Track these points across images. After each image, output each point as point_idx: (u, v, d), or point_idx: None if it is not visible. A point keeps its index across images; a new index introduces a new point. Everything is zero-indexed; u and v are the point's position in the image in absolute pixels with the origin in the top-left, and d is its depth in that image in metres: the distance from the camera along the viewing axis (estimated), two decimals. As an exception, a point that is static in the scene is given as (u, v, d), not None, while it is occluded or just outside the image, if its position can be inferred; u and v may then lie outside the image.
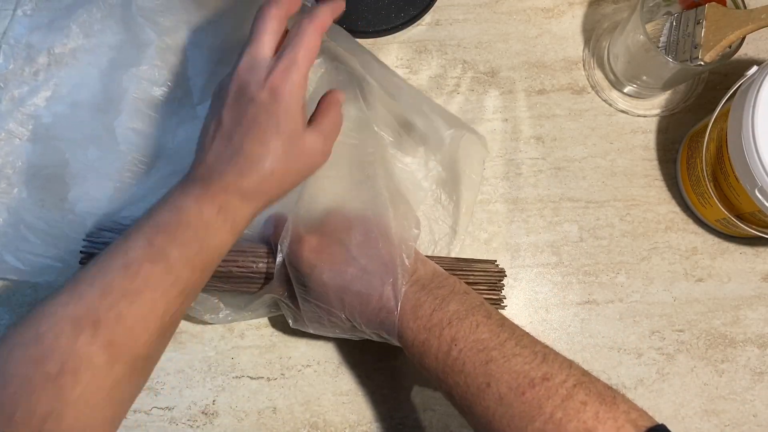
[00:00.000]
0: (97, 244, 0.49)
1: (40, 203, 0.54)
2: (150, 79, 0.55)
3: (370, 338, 0.47)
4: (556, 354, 0.41)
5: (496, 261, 0.53)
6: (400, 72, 0.60)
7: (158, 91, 0.56)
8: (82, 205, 0.53)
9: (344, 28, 0.58)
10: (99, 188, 0.54)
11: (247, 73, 0.42)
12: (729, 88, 0.50)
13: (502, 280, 0.51)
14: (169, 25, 0.56)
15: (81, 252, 0.49)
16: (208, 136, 0.43)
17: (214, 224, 0.41)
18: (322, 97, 0.47)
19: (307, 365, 0.54)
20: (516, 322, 0.44)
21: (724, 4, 0.52)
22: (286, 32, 0.44)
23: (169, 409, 0.52)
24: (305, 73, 0.42)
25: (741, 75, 0.49)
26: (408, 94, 0.54)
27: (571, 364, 0.40)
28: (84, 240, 0.49)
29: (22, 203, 0.54)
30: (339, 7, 0.45)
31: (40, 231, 0.53)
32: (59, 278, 0.52)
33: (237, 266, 0.48)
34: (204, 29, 0.57)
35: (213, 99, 0.44)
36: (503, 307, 0.51)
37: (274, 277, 0.48)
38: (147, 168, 0.55)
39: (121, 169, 0.54)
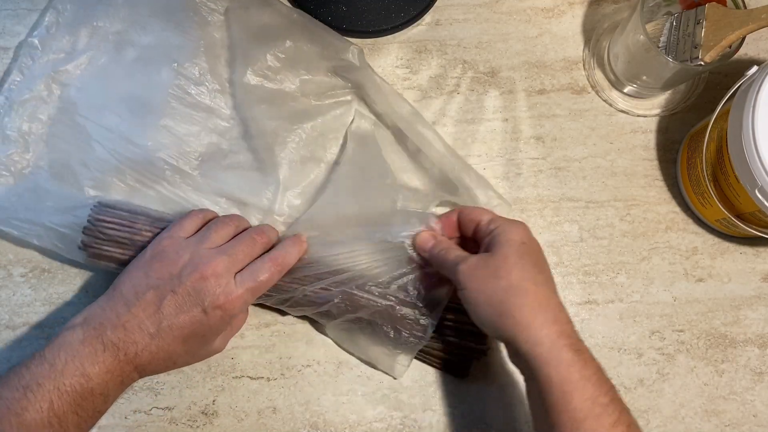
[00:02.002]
0: (101, 223, 0.49)
1: (52, 173, 0.53)
2: (190, 77, 0.55)
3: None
4: None
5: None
6: (400, 72, 0.60)
7: (195, 91, 0.55)
8: (90, 186, 0.53)
9: (344, 29, 0.58)
10: (108, 179, 0.53)
11: (208, 270, 0.44)
12: (729, 88, 0.50)
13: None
14: (218, 19, 0.57)
15: (84, 230, 0.50)
16: (141, 300, 0.43)
17: (112, 393, 0.43)
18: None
19: (307, 365, 0.54)
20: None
21: (724, 4, 0.52)
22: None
23: (169, 410, 0.52)
24: (256, 297, 0.46)
25: (741, 75, 0.49)
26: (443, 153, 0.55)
27: None
28: (88, 219, 0.50)
29: (36, 168, 0.53)
30: (303, 248, 0.49)
31: (53, 195, 0.52)
32: (66, 247, 0.51)
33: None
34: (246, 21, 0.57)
35: (155, 257, 0.45)
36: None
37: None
38: (169, 172, 0.54)
39: (138, 166, 0.54)
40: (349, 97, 0.57)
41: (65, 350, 0.41)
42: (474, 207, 0.51)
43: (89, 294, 0.54)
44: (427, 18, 0.61)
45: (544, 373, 0.40)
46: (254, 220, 0.54)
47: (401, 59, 0.60)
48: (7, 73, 0.56)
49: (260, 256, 0.47)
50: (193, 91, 0.55)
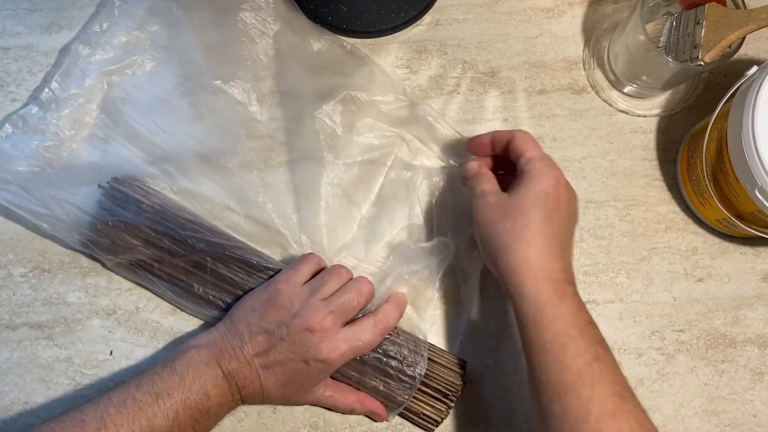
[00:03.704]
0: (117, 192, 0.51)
1: (85, 167, 0.54)
2: (233, 94, 0.55)
3: None
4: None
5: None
6: (399, 72, 0.60)
7: (237, 109, 0.56)
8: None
9: (344, 29, 0.58)
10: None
11: (316, 324, 0.46)
12: (729, 88, 0.50)
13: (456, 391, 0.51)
14: (266, 42, 0.57)
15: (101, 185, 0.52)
16: (253, 340, 0.46)
17: (221, 415, 0.47)
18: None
19: (307, 365, 0.54)
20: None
21: (724, 4, 0.52)
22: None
23: (169, 409, 0.52)
24: (356, 355, 0.48)
25: (741, 75, 0.49)
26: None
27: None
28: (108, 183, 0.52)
29: (72, 158, 0.54)
30: (403, 309, 0.51)
31: (81, 189, 0.52)
32: (84, 238, 0.51)
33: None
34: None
35: (270, 301, 0.48)
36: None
37: None
38: (201, 183, 0.55)
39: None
40: (392, 139, 0.57)
41: (193, 369, 0.45)
42: (518, 134, 0.50)
43: (89, 294, 0.54)
44: (427, 18, 0.61)
45: (522, 310, 0.44)
46: (277, 249, 0.55)
47: (401, 59, 0.60)
48: (56, 67, 0.57)
49: (365, 310, 0.50)
50: (235, 109, 0.56)
